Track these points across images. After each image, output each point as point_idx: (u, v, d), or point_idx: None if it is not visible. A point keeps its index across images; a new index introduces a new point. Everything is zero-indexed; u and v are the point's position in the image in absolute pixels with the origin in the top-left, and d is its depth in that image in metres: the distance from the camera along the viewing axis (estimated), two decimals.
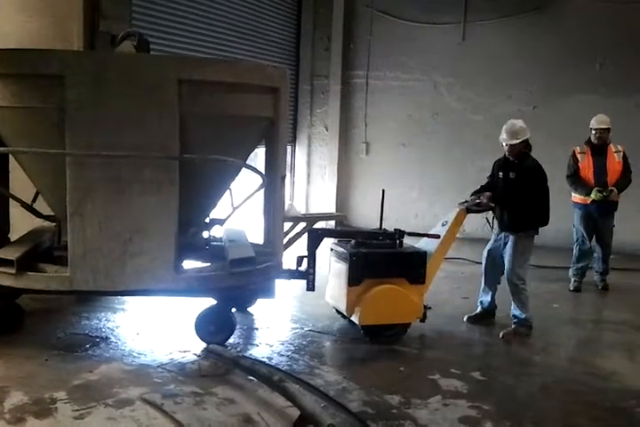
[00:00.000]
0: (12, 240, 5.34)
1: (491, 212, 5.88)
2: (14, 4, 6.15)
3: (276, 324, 5.71)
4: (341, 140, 10.99)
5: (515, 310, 5.68)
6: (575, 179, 7.19)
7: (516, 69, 9.98)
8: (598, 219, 7.22)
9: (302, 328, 5.61)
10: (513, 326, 5.66)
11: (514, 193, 5.63)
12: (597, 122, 7.11)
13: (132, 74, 4.48)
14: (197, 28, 8.09)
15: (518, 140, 5.63)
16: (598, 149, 7.11)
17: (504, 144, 5.73)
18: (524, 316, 5.64)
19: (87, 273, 4.56)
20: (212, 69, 4.78)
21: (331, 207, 10.80)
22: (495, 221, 5.91)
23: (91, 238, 4.53)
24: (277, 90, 5.16)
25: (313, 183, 11.10)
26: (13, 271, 4.62)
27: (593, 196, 6.97)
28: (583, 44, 9.59)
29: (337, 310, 5.62)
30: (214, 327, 5.02)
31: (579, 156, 7.19)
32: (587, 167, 7.13)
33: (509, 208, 5.68)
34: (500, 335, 5.57)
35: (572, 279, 7.42)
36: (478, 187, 5.98)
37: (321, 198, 10.98)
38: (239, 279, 4.94)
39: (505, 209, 5.72)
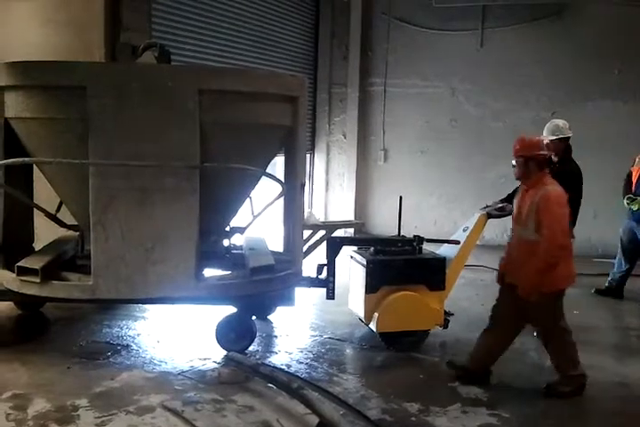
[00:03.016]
0: (36, 249, 5.42)
1: None
2: (38, 16, 6.29)
3: (295, 331, 5.73)
4: (359, 147, 11.01)
5: None
6: (625, 182, 7.10)
7: (534, 76, 9.96)
8: (635, 228, 7.07)
9: (321, 336, 5.63)
10: None
11: None
12: None
13: (153, 84, 4.55)
14: (216, 38, 8.18)
15: (555, 137, 5.80)
16: None
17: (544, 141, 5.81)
18: None
19: (110, 282, 4.61)
20: (232, 79, 4.84)
21: (349, 215, 10.82)
22: None
23: (113, 247, 4.58)
24: (296, 98, 5.20)
25: (331, 191, 11.14)
26: (38, 280, 4.68)
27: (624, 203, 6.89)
28: (601, 50, 9.55)
29: (359, 318, 5.64)
30: (235, 335, 5.05)
31: (637, 159, 7.09)
32: (636, 173, 7.00)
33: None
34: (535, 333, 5.60)
35: (607, 280, 7.41)
36: (505, 195, 5.97)
37: (339, 206, 11.00)
38: (259, 287, 4.97)
39: None
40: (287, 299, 5.34)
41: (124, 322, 5.74)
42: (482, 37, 10.27)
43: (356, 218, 10.65)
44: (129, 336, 5.40)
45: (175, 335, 5.48)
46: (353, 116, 10.92)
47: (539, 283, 4.35)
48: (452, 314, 5.61)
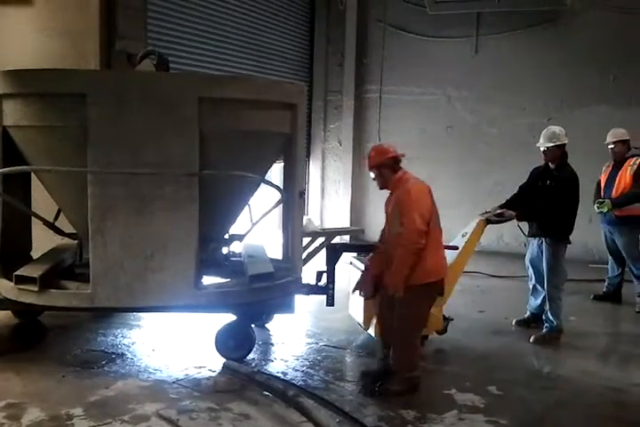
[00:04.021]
0: (34, 258, 5.37)
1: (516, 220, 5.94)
2: (33, 24, 6.29)
3: (291, 339, 5.71)
4: (355, 154, 11.02)
5: (549, 315, 5.85)
6: (595, 191, 7.24)
7: (530, 82, 10.00)
8: (612, 232, 7.19)
9: (317, 343, 5.60)
10: (544, 331, 5.86)
11: (548, 201, 5.73)
12: (608, 136, 7.16)
13: (152, 92, 4.54)
14: (211, 46, 8.20)
15: (553, 144, 5.83)
16: (619, 163, 7.08)
17: (541, 149, 5.92)
18: (555, 323, 5.82)
19: (108, 290, 4.58)
20: (231, 87, 4.83)
21: (345, 222, 10.82)
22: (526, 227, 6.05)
23: (112, 255, 4.56)
24: (295, 106, 5.19)
25: (327, 198, 11.13)
26: (36, 289, 4.65)
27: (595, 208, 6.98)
28: (596, 56, 9.59)
29: (359, 324, 5.62)
30: (234, 343, 5.02)
31: (603, 168, 7.26)
32: (603, 180, 7.19)
33: (541, 217, 5.81)
34: (532, 339, 5.77)
35: (604, 285, 7.47)
36: (504, 201, 6.05)
37: (335, 213, 11.00)
38: (259, 295, 4.94)
39: (536, 219, 5.88)
40: (287, 307, 5.28)
41: (118, 330, 5.72)
42: (476, 44, 10.32)
43: (351, 225, 10.65)
44: (124, 345, 5.37)
45: (170, 343, 5.46)
46: (348, 124, 10.94)
47: (406, 275, 4.32)
48: (452, 319, 5.61)
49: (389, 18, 10.68)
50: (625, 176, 6.96)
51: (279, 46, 9.84)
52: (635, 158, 7.00)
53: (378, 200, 10.84)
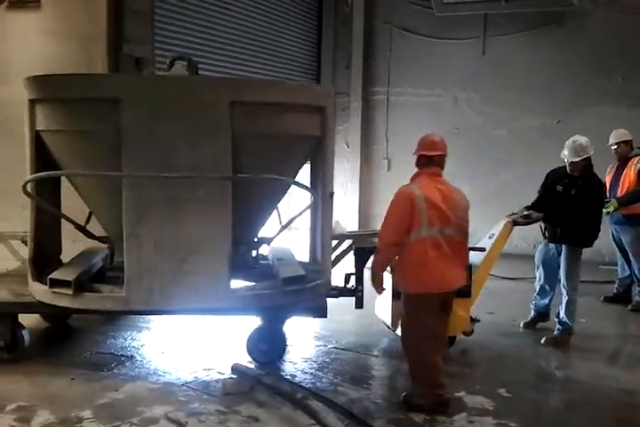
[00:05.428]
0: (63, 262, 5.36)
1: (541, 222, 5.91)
2: (41, 28, 6.33)
3: (299, 341, 5.70)
4: (363, 156, 11.02)
5: (562, 316, 5.79)
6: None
7: (538, 83, 9.97)
8: (619, 231, 7.22)
9: (326, 345, 5.60)
10: (556, 333, 5.81)
11: (573, 210, 5.65)
12: (611, 137, 7.21)
13: (185, 96, 4.51)
14: (219, 49, 8.23)
15: (580, 158, 5.70)
16: (622, 163, 7.16)
17: (566, 160, 5.82)
18: (569, 325, 5.77)
19: (142, 293, 4.55)
20: (263, 91, 4.81)
21: (354, 224, 10.81)
22: (547, 231, 5.99)
23: (146, 258, 4.53)
24: (324, 108, 5.17)
25: (335, 200, 11.10)
26: (70, 292, 4.62)
27: None
28: (604, 57, 9.56)
29: (386, 325, 5.60)
30: (266, 347, 5.01)
31: (608, 169, 7.27)
32: (608, 181, 7.20)
33: (565, 224, 5.75)
34: (543, 341, 5.74)
35: (615, 287, 7.49)
36: (530, 203, 6.04)
37: (344, 215, 10.99)
38: (291, 298, 4.91)
39: (560, 225, 5.80)
40: (319, 310, 5.22)
41: (128, 333, 5.73)
42: (484, 45, 10.30)
43: (359, 227, 10.64)
44: (133, 347, 5.39)
45: (179, 346, 5.47)
46: (356, 125, 10.94)
47: (381, 278, 4.37)
48: (479, 320, 5.59)
49: (396, 19, 10.67)
50: (629, 175, 7.01)
51: (286, 48, 9.86)
52: (638, 157, 7.05)
53: (385, 202, 10.85)
